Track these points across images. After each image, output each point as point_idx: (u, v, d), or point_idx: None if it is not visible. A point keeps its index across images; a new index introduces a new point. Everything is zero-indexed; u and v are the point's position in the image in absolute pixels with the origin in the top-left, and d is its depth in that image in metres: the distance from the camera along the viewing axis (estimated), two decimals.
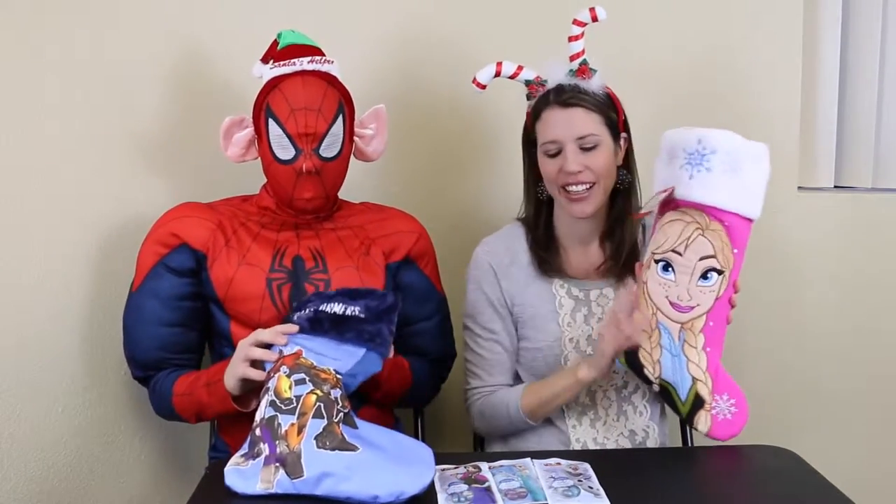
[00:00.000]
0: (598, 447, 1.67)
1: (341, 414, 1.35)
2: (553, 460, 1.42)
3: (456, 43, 2.04)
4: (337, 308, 1.44)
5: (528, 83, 1.67)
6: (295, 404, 1.34)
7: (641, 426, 1.71)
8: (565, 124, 1.61)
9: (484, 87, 1.68)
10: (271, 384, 1.38)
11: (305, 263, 1.66)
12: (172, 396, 1.64)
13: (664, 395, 1.53)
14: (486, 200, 2.10)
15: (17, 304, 1.81)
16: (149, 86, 1.92)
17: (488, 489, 1.31)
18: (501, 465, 1.40)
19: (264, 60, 1.66)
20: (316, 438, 1.32)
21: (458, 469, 1.39)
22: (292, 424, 1.33)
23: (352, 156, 1.72)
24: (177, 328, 1.68)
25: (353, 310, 1.43)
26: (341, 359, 1.41)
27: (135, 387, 1.87)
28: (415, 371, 1.72)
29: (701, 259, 1.45)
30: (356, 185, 1.87)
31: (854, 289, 2.25)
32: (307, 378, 1.36)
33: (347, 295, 1.47)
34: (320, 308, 1.44)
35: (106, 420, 1.91)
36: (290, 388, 1.36)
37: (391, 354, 1.46)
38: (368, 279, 1.68)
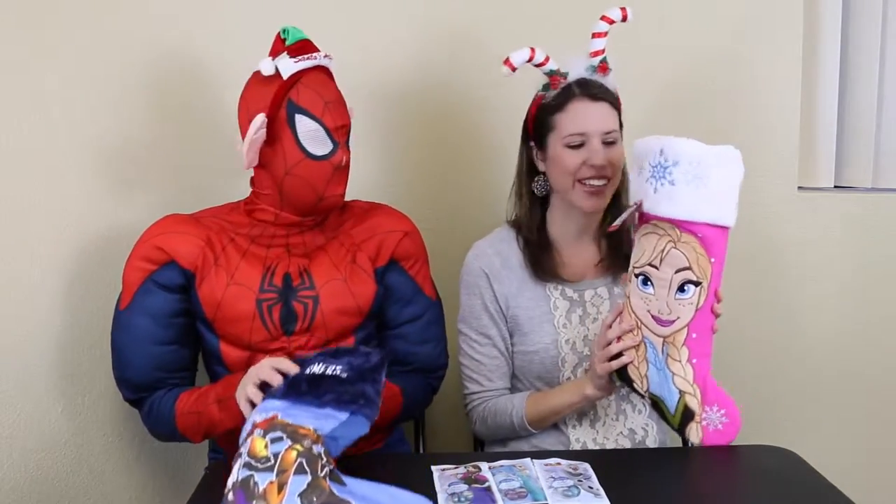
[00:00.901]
0: (597, 447, 1.67)
1: (327, 469, 1.23)
2: (553, 460, 1.42)
3: (461, 41, 2.03)
4: (316, 369, 1.36)
5: (552, 74, 1.65)
6: (273, 461, 1.20)
7: (640, 424, 1.71)
8: (595, 117, 1.61)
9: (515, 69, 1.63)
10: (244, 449, 1.24)
11: (293, 281, 1.60)
12: (175, 416, 1.58)
13: (655, 408, 1.53)
14: (490, 199, 2.10)
15: (17, 305, 1.81)
16: (135, 95, 1.90)
17: (488, 489, 1.31)
18: (501, 465, 1.40)
19: (273, 55, 1.57)
20: (301, 496, 1.17)
21: (458, 469, 1.38)
22: (271, 482, 1.18)
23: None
24: (172, 346, 1.62)
25: (335, 369, 1.35)
26: (321, 420, 1.30)
27: None
28: (406, 395, 1.65)
29: (676, 272, 1.43)
30: (359, 184, 1.87)
31: (854, 288, 2.25)
32: (284, 435, 1.24)
33: (329, 355, 1.39)
34: (298, 373, 1.37)
35: (106, 420, 1.91)
36: (265, 447, 1.22)
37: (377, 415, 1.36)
38: (357, 290, 1.63)
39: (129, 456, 1.94)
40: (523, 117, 1.73)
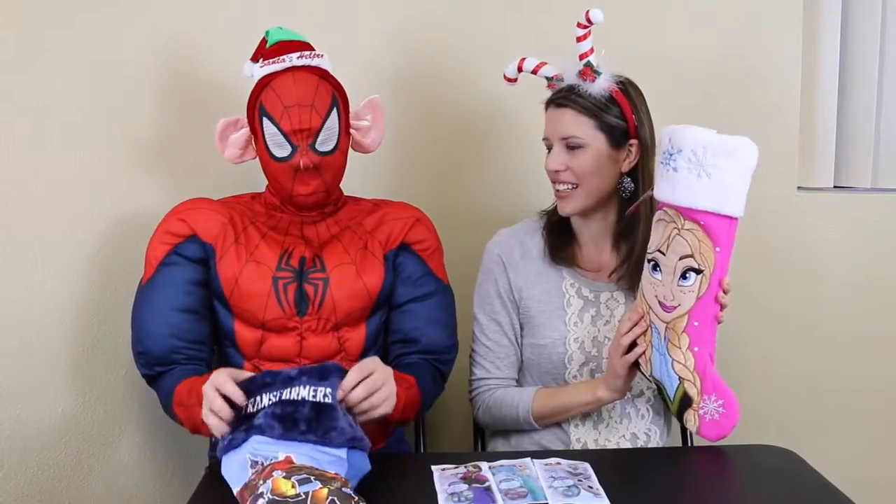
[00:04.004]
0: (598, 448, 1.67)
1: None
2: (553, 460, 1.42)
3: (467, 38, 2.04)
4: (304, 392, 1.31)
5: (547, 80, 1.67)
6: (304, 497, 1.16)
7: (643, 429, 1.71)
8: (553, 123, 1.64)
9: (513, 80, 1.70)
10: (265, 489, 1.18)
11: (306, 263, 1.65)
12: (173, 403, 1.59)
13: (659, 391, 1.54)
14: (496, 198, 2.10)
15: (18, 304, 1.81)
16: (145, 86, 1.91)
17: (488, 489, 1.31)
18: (501, 465, 1.40)
19: (254, 59, 1.65)
20: None
21: (458, 469, 1.38)
22: None
23: (350, 148, 1.70)
24: (190, 315, 1.64)
25: (325, 393, 1.31)
26: (333, 465, 1.28)
27: (134, 387, 1.87)
28: (420, 383, 1.65)
29: (680, 259, 1.44)
30: (364, 181, 1.88)
31: (854, 289, 2.25)
32: (312, 477, 1.20)
33: (316, 372, 1.34)
34: (283, 398, 1.30)
35: (106, 420, 1.91)
36: (293, 486, 1.18)
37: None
38: (367, 274, 1.67)
39: (130, 456, 1.94)
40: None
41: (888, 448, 2.31)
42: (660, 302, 1.47)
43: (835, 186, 2.32)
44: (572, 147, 1.62)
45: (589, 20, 1.59)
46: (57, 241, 1.84)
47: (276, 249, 1.65)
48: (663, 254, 1.45)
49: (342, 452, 1.31)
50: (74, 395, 1.88)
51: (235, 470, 1.28)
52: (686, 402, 1.48)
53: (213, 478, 1.36)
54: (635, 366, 1.56)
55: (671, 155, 1.41)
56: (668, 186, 1.42)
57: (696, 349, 1.47)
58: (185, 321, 1.64)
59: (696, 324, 1.45)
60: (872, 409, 2.29)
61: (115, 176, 1.90)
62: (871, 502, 1.59)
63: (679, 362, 1.48)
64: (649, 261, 1.49)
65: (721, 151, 1.38)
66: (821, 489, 1.37)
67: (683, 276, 1.44)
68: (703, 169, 1.38)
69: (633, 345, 1.53)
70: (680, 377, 1.48)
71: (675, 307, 1.46)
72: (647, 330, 1.51)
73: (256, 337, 1.65)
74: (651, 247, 1.49)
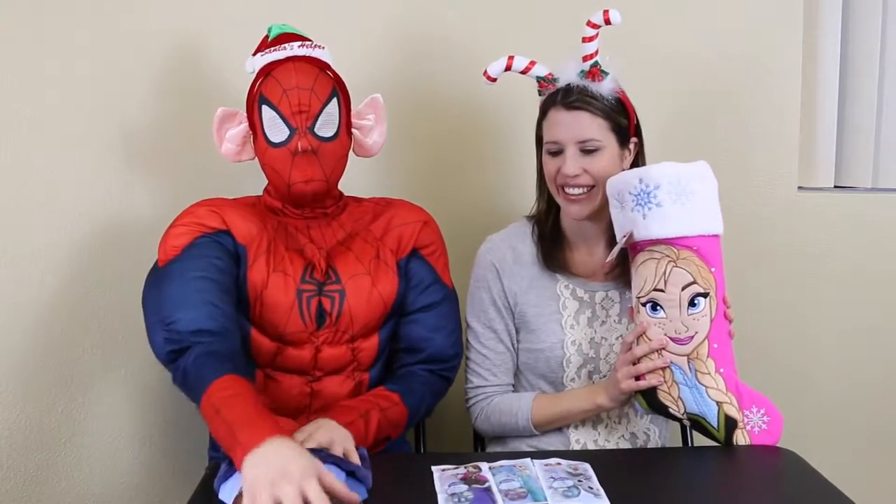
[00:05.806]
0: (597, 448, 1.67)
1: None
2: (553, 460, 1.42)
3: (466, 38, 2.04)
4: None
5: (538, 79, 1.65)
6: None
7: (642, 428, 1.71)
8: (568, 127, 1.60)
9: (494, 80, 1.67)
10: None
11: (322, 276, 1.61)
12: (204, 394, 1.35)
13: (697, 427, 1.54)
14: (494, 198, 2.10)
15: (17, 304, 1.81)
16: (145, 86, 1.91)
17: (488, 489, 1.31)
18: (501, 465, 1.40)
19: (255, 55, 1.63)
20: None
21: (458, 469, 1.38)
22: None
23: (352, 151, 1.67)
24: (225, 295, 1.51)
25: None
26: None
27: (134, 387, 1.87)
28: (408, 400, 1.62)
29: (683, 289, 1.47)
30: (364, 183, 1.87)
31: (854, 289, 2.26)
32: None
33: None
34: None
35: (106, 420, 1.91)
36: None
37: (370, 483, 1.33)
38: (381, 285, 1.64)
39: (130, 456, 1.94)
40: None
41: (889, 448, 2.31)
42: (672, 338, 1.49)
43: (835, 186, 2.32)
44: (589, 150, 1.60)
45: (608, 21, 1.57)
46: (56, 241, 1.84)
47: (299, 262, 1.60)
48: (662, 291, 1.48)
49: (341, 474, 1.29)
50: (74, 395, 1.88)
51: (233, 488, 1.26)
52: (731, 424, 1.50)
53: (214, 478, 1.36)
54: (651, 405, 1.55)
55: (649, 193, 1.46)
56: (658, 222, 1.46)
57: (722, 370, 1.50)
58: (218, 289, 1.50)
59: (715, 346, 1.49)
60: (873, 408, 2.29)
61: (114, 177, 1.89)
62: (871, 502, 1.59)
63: (712, 388, 1.50)
64: (644, 304, 1.51)
65: (693, 178, 1.47)
66: (821, 489, 1.37)
67: (692, 304, 1.48)
68: (685, 197, 1.46)
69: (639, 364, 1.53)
70: (717, 402, 1.50)
71: (691, 337, 1.48)
72: (665, 368, 1.51)
73: (273, 348, 1.61)
74: (643, 290, 1.50)
